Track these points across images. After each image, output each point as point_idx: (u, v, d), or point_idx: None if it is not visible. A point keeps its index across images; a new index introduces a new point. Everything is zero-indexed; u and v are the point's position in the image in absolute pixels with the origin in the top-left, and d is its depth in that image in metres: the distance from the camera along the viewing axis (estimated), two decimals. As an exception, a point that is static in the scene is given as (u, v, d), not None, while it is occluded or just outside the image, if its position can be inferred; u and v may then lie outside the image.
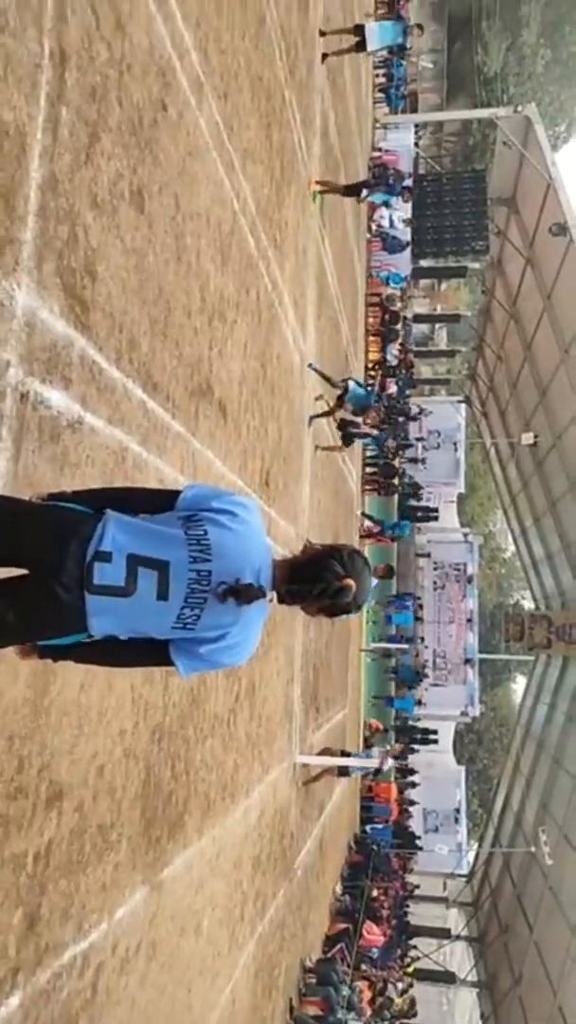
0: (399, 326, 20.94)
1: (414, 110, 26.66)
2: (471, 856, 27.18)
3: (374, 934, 14.98)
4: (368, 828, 19.66)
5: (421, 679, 25.58)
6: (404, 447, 23.64)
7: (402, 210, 20.30)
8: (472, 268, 26.11)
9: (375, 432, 13.29)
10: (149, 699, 4.19)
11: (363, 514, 19.41)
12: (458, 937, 24.03)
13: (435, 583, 26.77)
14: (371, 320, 20.42)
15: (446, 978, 22.35)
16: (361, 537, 18.40)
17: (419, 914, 22.58)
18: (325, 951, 11.89)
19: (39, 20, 2.91)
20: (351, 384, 10.65)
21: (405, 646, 24.63)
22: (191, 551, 2.01)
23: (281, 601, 2.13)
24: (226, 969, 5.96)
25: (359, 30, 11.17)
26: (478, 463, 36.32)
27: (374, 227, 20.58)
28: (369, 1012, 12.37)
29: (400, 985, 16.53)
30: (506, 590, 50.64)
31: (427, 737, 27.03)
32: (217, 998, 5.72)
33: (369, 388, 13.38)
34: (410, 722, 26.86)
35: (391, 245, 20.97)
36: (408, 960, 19.27)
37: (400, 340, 21.29)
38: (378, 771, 14.47)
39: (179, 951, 4.79)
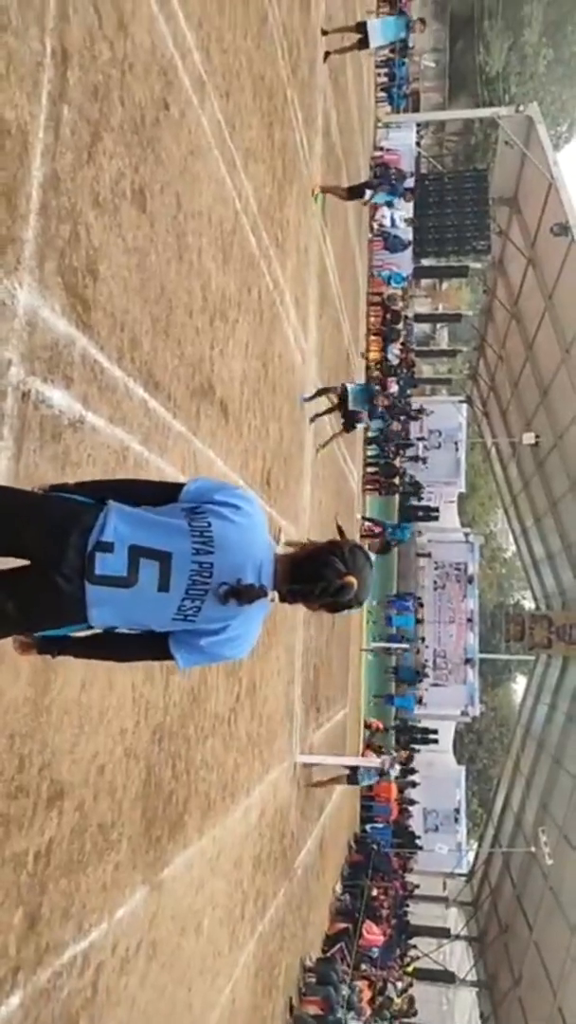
0: (400, 325, 20.93)
1: (416, 109, 26.68)
2: (471, 856, 27.17)
3: (374, 933, 14.98)
4: (368, 827, 19.68)
5: (421, 678, 25.59)
6: (405, 446, 23.65)
7: (404, 209, 20.28)
8: (474, 268, 26.06)
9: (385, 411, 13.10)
10: (150, 698, 4.19)
11: (364, 517, 19.39)
12: (458, 937, 24.03)
13: (436, 583, 26.75)
14: (372, 319, 20.40)
15: (446, 978, 22.35)
16: (362, 537, 18.40)
17: (419, 914, 22.58)
18: (325, 950, 11.89)
19: (41, 19, 2.90)
20: (348, 387, 10.71)
21: (405, 646, 24.63)
22: (194, 543, 2.00)
23: (283, 600, 2.12)
24: (226, 968, 5.96)
25: (361, 27, 11.16)
26: (479, 463, 36.31)
27: (376, 226, 20.56)
28: (369, 1011, 12.38)
29: (400, 985, 16.55)
30: (507, 590, 50.62)
31: (427, 737, 27.05)
32: (217, 997, 5.72)
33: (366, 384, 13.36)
34: (410, 722, 26.89)
35: (393, 244, 20.95)
36: (408, 960, 19.28)
37: (401, 339, 21.26)
38: (382, 772, 14.48)
39: (179, 951, 4.79)
